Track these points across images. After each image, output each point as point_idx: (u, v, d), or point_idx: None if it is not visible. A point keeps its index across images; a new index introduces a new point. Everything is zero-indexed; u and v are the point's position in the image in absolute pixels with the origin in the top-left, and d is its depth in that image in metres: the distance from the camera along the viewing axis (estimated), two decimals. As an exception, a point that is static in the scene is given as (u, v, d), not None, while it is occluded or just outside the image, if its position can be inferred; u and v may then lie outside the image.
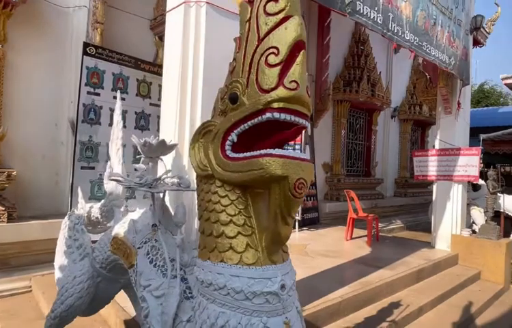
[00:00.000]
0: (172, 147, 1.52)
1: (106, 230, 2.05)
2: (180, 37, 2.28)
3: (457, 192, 5.44)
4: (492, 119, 11.25)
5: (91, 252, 1.83)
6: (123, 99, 4.36)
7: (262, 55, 1.03)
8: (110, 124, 4.26)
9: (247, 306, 1.01)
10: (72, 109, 4.37)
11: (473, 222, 5.84)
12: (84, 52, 3.98)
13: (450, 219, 5.45)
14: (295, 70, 1.00)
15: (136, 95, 4.47)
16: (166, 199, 1.86)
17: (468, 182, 5.62)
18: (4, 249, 3.56)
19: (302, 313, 1.14)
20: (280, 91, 1.00)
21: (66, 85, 4.41)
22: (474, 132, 6.45)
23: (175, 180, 1.51)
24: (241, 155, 1.08)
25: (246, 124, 1.07)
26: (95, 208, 2.10)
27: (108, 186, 2.04)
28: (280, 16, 1.02)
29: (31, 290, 3.60)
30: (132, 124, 4.41)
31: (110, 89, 4.25)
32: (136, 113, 4.44)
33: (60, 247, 2.19)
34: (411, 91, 10.12)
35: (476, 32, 5.60)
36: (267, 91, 1.01)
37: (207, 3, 2.25)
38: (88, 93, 4.05)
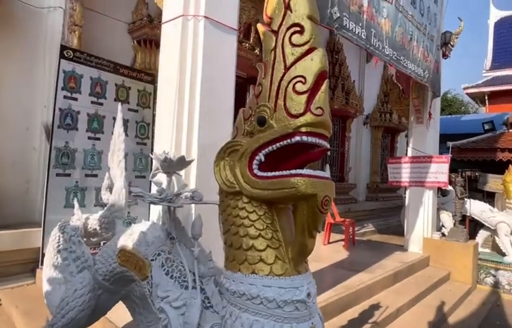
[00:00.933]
0: (190, 162, 1.53)
1: (104, 242, 1.99)
2: (177, 49, 2.28)
3: (428, 197, 5.77)
4: (456, 126, 12.01)
5: (92, 264, 1.77)
6: (100, 104, 4.25)
7: (289, 82, 1.12)
8: (88, 130, 4.16)
9: (279, 314, 1.10)
10: (45, 114, 4.16)
11: (442, 225, 6.21)
12: (62, 56, 3.80)
13: (422, 223, 5.76)
14: (321, 98, 1.10)
15: (115, 100, 4.32)
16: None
17: (438, 187, 5.97)
18: (-29, 262, 3.32)
19: (323, 319, 1.22)
20: (308, 117, 1.09)
21: (39, 89, 4.19)
22: (440, 139, 6.87)
23: (188, 194, 1.51)
24: (270, 174, 1.15)
25: (274, 146, 1.15)
26: (93, 219, 2.04)
27: (111, 197, 1.98)
28: (306, 47, 1.12)
29: (0, 304, 3.37)
30: (110, 129, 4.24)
31: (88, 93, 4.08)
32: (114, 118, 4.25)
33: (49, 260, 2.08)
34: (382, 100, 10.61)
35: (445, 47, 5.99)
36: (296, 116, 1.10)
37: (205, 17, 2.26)
38: (65, 97, 3.86)
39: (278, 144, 1.14)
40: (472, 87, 16.09)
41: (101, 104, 4.16)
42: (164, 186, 1.53)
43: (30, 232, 3.64)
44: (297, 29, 1.14)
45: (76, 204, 2.24)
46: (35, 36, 4.14)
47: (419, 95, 5.78)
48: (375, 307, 3.73)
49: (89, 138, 4.04)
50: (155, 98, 4.58)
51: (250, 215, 1.19)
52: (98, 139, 4.11)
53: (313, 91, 1.10)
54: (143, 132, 4.52)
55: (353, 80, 9.14)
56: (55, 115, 3.77)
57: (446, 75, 5.96)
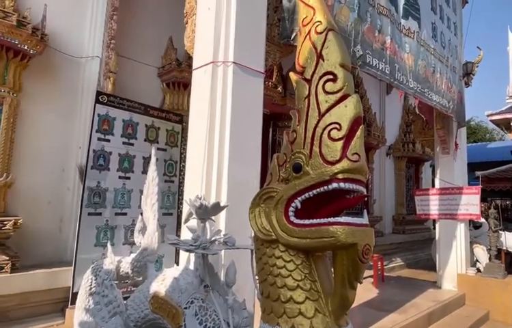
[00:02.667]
0: (223, 208, 1.55)
1: (136, 285, 2.02)
2: (208, 93, 2.38)
3: (460, 230, 5.52)
4: (483, 154, 11.62)
5: (124, 310, 1.78)
6: (131, 144, 4.43)
7: (324, 129, 1.14)
8: (119, 169, 4.32)
9: None
10: (79, 155, 4.37)
11: (477, 260, 5.88)
12: (97, 101, 4.04)
13: (455, 258, 5.49)
14: (356, 143, 1.11)
15: (145, 140, 4.50)
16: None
17: (470, 220, 5.72)
18: (4, 301, 3.40)
19: None
20: (345, 163, 1.09)
21: (75, 132, 4.43)
22: (467, 168, 6.65)
23: (221, 239, 1.52)
24: (307, 222, 1.14)
25: (311, 192, 1.15)
26: (125, 263, 2.07)
27: (143, 241, 2.02)
28: (339, 94, 1.15)
29: (31, 345, 3.41)
30: (140, 169, 4.41)
31: (120, 135, 4.27)
32: (144, 157, 4.44)
33: (81, 303, 2.11)
34: (404, 130, 10.47)
35: (468, 77, 5.93)
36: (332, 163, 1.10)
37: (234, 63, 2.37)
38: (98, 139, 4.06)
39: (314, 191, 1.14)
40: (496, 113, 15.62)
41: (132, 144, 4.34)
42: (198, 232, 1.54)
43: (61, 271, 3.72)
44: (331, 77, 1.16)
45: (110, 247, 2.28)
46: (73, 83, 4.44)
47: (444, 125, 5.69)
48: (411, 351, 3.52)
49: (120, 177, 4.19)
50: (183, 137, 4.75)
51: (287, 265, 1.16)
52: (128, 178, 4.26)
53: (348, 138, 1.10)
54: (170, 170, 4.64)
55: (374, 112, 9.12)
56: (89, 156, 3.95)
57: (469, 103, 5.88)
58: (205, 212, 1.50)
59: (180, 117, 4.85)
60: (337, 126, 1.11)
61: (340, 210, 1.16)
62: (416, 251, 9.48)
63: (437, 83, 4.50)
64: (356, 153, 1.10)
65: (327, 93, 1.15)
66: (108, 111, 4.14)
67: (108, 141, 4.13)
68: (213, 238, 1.43)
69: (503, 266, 5.40)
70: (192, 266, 1.71)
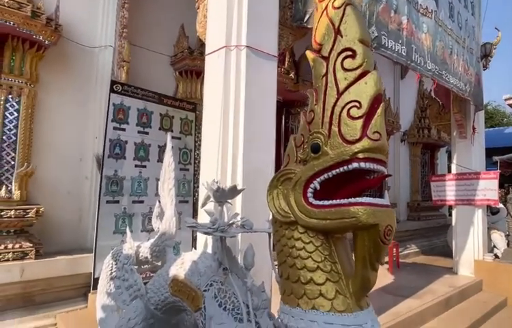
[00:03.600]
0: (241, 191, 1.55)
1: (154, 270, 2.06)
2: (221, 78, 2.37)
3: (477, 216, 5.42)
4: (500, 139, 11.30)
5: (144, 293, 1.82)
6: (146, 133, 4.48)
7: (343, 107, 1.10)
8: (135, 158, 4.38)
9: None
10: (96, 145, 4.44)
11: (494, 246, 5.77)
12: (111, 90, 4.08)
13: (472, 244, 5.40)
14: (377, 122, 1.08)
15: (159, 129, 4.54)
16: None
17: (487, 206, 5.60)
18: (31, 286, 3.54)
19: None
20: (365, 142, 1.06)
21: (91, 122, 4.50)
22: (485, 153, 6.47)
23: (239, 223, 1.53)
24: (327, 203, 1.12)
25: (330, 173, 1.12)
26: (144, 248, 2.11)
27: (161, 226, 2.06)
28: (359, 71, 1.10)
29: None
30: (155, 158, 4.46)
31: (135, 124, 4.33)
32: (159, 146, 4.50)
33: (103, 287, 2.18)
34: (419, 115, 10.24)
35: (486, 59, 5.74)
36: (352, 142, 1.07)
37: (247, 47, 2.35)
38: (114, 128, 4.13)
39: (334, 171, 1.11)
40: (514, 97, 15.11)
41: (147, 133, 4.39)
42: (215, 215, 1.55)
43: (83, 258, 3.84)
44: (349, 53, 1.12)
45: (129, 233, 2.33)
46: (87, 73, 4.49)
47: (461, 109, 5.54)
48: (428, 336, 3.51)
49: (136, 166, 4.25)
50: (196, 125, 4.77)
51: (306, 246, 1.15)
52: (144, 166, 4.32)
53: (368, 116, 1.07)
54: (185, 158, 4.69)
55: (388, 98, 8.93)
56: (105, 146, 4.02)
57: (486, 86, 5.68)
58: (223, 196, 1.51)
59: (194, 105, 4.86)
60: (357, 104, 1.07)
61: (360, 190, 1.13)
62: (432, 238, 9.37)
63: (454, 65, 4.37)
64: (377, 131, 1.06)
65: (346, 70, 1.11)
66: (123, 100, 4.18)
67: (123, 130, 4.19)
68: (231, 221, 1.44)
69: (522, 251, 5.29)
70: (210, 251, 1.72)
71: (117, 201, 4.09)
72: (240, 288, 1.39)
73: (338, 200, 1.11)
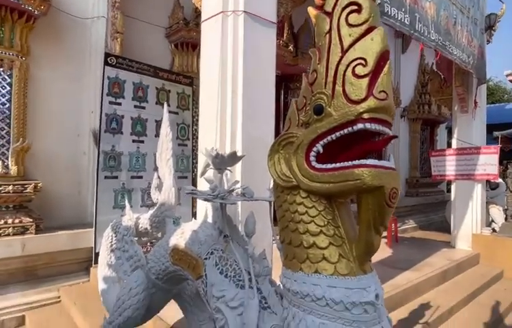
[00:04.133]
0: (241, 157, 1.51)
1: (154, 241, 2.05)
2: (218, 45, 2.29)
3: (477, 191, 5.43)
4: (500, 115, 11.23)
5: (145, 263, 1.82)
6: (142, 108, 4.40)
7: (348, 66, 1.04)
8: (132, 133, 4.32)
9: (347, 317, 1.02)
10: (92, 119, 4.37)
11: (492, 220, 5.81)
12: (106, 63, 3.98)
13: (470, 218, 5.44)
14: (383, 80, 1.02)
15: (156, 103, 4.47)
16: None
17: (486, 180, 5.60)
18: (33, 261, 3.56)
19: (392, 322, 1.14)
20: (371, 102, 1.01)
21: (86, 96, 4.41)
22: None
23: (239, 191, 1.50)
24: (330, 166, 1.08)
25: (333, 135, 1.08)
26: (144, 219, 2.10)
27: (160, 197, 2.03)
28: (364, 27, 1.04)
29: (59, 301, 3.59)
30: (153, 133, 4.40)
31: (131, 98, 4.25)
32: (156, 121, 4.43)
33: (103, 259, 2.17)
34: (420, 91, 10.12)
35: (490, 30, 5.60)
36: (357, 102, 1.02)
37: (245, 12, 2.26)
38: (110, 103, 4.05)
39: (337, 133, 1.06)
40: (516, 73, 14.93)
41: (143, 107, 4.32)
42: (215, 182, 1.52)
43: (83, 233, 3.85)
44: (354, 7, 1.05)
45: (128, 204, 2.31)
46: (80, 45, 4.37)
47: (463, 82, 5.45)
48: (425, 306, 3.56)
49: (133, 141, 4.20)
50: (193, 100, 4.69)
51: (309, 211, 1.12)
52: (142, 141, 4.27)
53: (374, 74, 1.01)
54: (183, 133, 4.63)
55: (389, 72, 8.79)
56: (102, 120, 3.96)
57: (487, 62, 5.55)
58: (222, 162, 1.47)
59: (190, 79, 4.76)
60: (362, 61, 1.01)
61: (364, 153, 1.08)
62: (429, 214, 9.44)
63: (458, 36, 4.25)
64: (383, 91, 1.00)
65: (350, 25, 1.04)
66: (118, 73, 4.09)
67: (119, 104, 4.11)
68: (231, 188, 1.41)
69: (520, 225, 5.33)
70: (210, 220, 1.70)
71: (116, 177, 4.06)
72: (241, 255, 1.38)
73: (341, 163, 1.07)
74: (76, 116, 4.33)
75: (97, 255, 3.40)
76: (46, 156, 4.06)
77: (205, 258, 1.44)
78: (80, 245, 3.80)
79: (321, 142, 1.11)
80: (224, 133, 2.29)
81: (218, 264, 1.40)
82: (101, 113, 3.95)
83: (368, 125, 1.02)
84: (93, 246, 3.74)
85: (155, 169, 2.28)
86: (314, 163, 1.13)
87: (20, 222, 3.54)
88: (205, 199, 1.40)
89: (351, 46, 1.05)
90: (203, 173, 1.60)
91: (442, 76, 5.99)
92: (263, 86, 2.43)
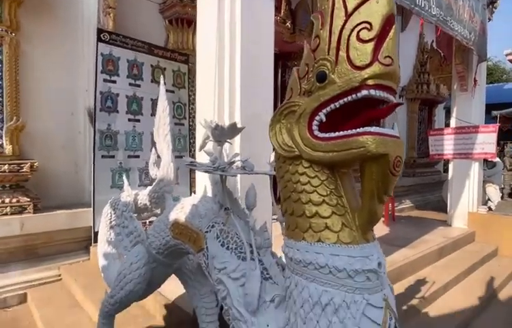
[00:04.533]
0: (241, 129, 1.47)
1: (153, 217, 2.04)
2: (215, 18, 2.23)
3: (474, 170, 5.45)
4: (499, 95, 11.19)
5: (145, 238, 1.81)
6: (137, 86, 4.32)
7: (352, 30, 1.00)
8: (128, 112, 4.25)
9: (350, 284, 1.01)
10: (87, 98, 4.30)
11: (488, 199, 5.87)
12: (99, 39, 3.88)
13: (467, 197, 5.48)
14: (389, 45, 0.98)
15: (151, 81, 4.39)
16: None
17: (484, 159, 5.62)
18: (32, 239, 3.56)
19: (393, 290, 1.14)
20: (376, 67, 0.97)
21: (80, 73, 4.32)
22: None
23: (239, 164, 1.48)
24: (333, 134, 1.06)
25: (337, 103, 1.04)
26: (142, 195, 2.08)
27: (159, 172, 2.01)
28: None
29: (60, 279, 3.61)
30: (149, 111, 4.34)
31: (126, 76, 4.16)
32: (152, 99, 4.36)
33: (103, 236, 2.17)
34: (419, 70, 10.03)
35: (492, 6, 5.51)
36: (362, 68, 0.99)
37: (243, -18, 2.18)
38: (104, 80, 3.97)
39: (341, 101, 1.03)
40: (515, 52, 14.79)
41: (138, 85, 4.24)
42: (215, 154, 1.49)
43: (81, 212, 3.84)
44: None
45: (126, 181, 2.29)
46: (72, 20, 4.25)
47: (463, 60, 5.39)
48: (422, 282, 3.62)
49: (129, 120, 4.15)
50: (189, 79, 4.61)
51: (311, 180, 1.10)
52: (138, 120, 4.22)
53: (380, 39, 0.97)
54: (180, 112, 4.57)
55: (388, 51, 8.68)
56: (96, 99, 3.89)
57: (488, 40, 5.47)
58: (222, 134, 1.43)
59: (186, 56, 4.67)
60: (367, 25, 0.96)
61: (368, 122, 1.06)
62: (426, 194, 9.52)
63: (460, 11, 4.17)
64: (389, 56, 0.96)
65: None
66: (112, 50, 3.99)
67: (114, 82, 4.04)
68: (231, 160, 1.39)
69: (515, 203, 5.38)
70: (210, 194, 1.69)
71: (113, 156, 4.03)
72: (243, 227, 1.37)
73: (345, 131, 1.05)
74: (70, 94, 4.25)
75: (96, 234, 3.40)
76: (41, 135, 4.00)
77: (206, 231, 1.43)
78: (78, 224, 3.80)
79: (324, 110, 1.08)
80: (222, 110, 2.25)
81: (219, 237, 1.39)
82: (95, 91, 3.88)
83: (373, 92, 0.99)
84: (92, 225, 3.74)
85: (154, 146, 2.24)
86: (316, 132, 1.10)
87: (18, 201, 3.52)
88: (205, 171, 1.37)
89: (355, 9, 1.00)
90: (202, 147, 1.56)
91: (442, 54, 5.94)
92: (261, 60, 2.37)
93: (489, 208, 5.60)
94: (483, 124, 5.48)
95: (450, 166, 5.74)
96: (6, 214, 3.43)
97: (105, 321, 1.91)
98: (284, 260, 1.25)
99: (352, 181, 1.19)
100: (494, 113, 7.11)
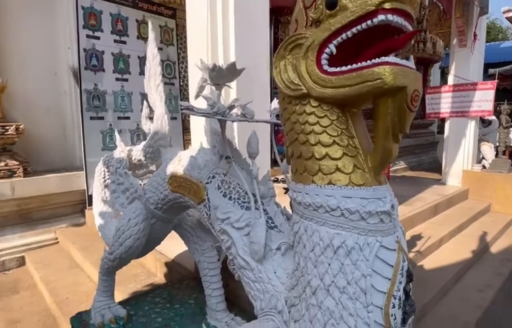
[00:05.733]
0: (241, 71, 1.35)
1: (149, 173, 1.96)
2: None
3: (470, 128, 5.42)
4: (496, 54, 11.04)
5: (142, 194, 1.74)
6: (123, 42, 4.08)
7: None
8: (115, 70, 4.04)
9: (362, 226, 0.96)
10: (70, 56, 4.06)
11: (483, 157, 5.89)
12: (78, -10, 3.61)
13: (462, 155, 5.48)
14: None
15: (137, 38, 4.15)
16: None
17: (480, 117, 5.59)
18: (26, 203, 3.49)
19: (405, 233, 1.09)
20: None
21: (61, 29, 4.05)
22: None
23: (239, 111, 1.38)
24: (345, 68, 0.96)
25: (349, 32, 0.93)
26: (136, 150, 1.97)
27: (152, 126, 1.90)
28: None
29: (57, 242, 3.58)
30: (137, 70, 4.14)
31: (110, 31, 3.92)
32: (139, 57, 4.15)
33: (98, 195, 2.08)
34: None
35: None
36: None
37: None
38: (87, 36, 3.74)
39: (354, 29, 0.92)
40: (512, 10, 14.48)
41: (124, 42, 4.01)
42: (214, 99, 1.38)
43: (73, 176, 3.74)
44: None
45: (118, 136, 2.16)
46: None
47: (463, 13, 5.21)
48: (417, 237, 3.67)
49: (117, 79, 3.96)
50: (178, 35, 4.37)
51: (320, 120, 1.01)
52: (126, 80, 4.03)
53: None
54: (169, 71, 4.38)
55: (385, 7, 8.40)
56: (80, 56, 3.67)
57: None
58: (220, 76, 1.31)
59: (173, 11, 4.41)
60: None
61: (383, 53, 0.97)
62: (420, 155, 9.58)
63: (464, -41, 3.96)
64: None
65: None
66: (93, 3, 3.73)
67: (98, 38, 3.81)
68: (231, 104, 1.28)
69: (509, 161, 5.41)
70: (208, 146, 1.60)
71: (102, 118, 3.88)
72: (245, 177, 1.30)
73: (358, 63, 0.95)
74: (52, 53, 4.01)
75: (90, 197, 3.30)
76: (23, 97, 3.81)
77: (207, 182, 1.36)
78: (71, 188, 3.71)
79: (335, 41, 0.97)
80: (215, 55, 2.10)
81: (220, 188, 1.32)
82: (78, 48, 3.65)
83: (390, 17, 0.89)
84: (86, 188, 3.65)
85: (145, 99, 2.10)
86: (326, 67, 1.00)
87: (6, 165, 3.40)
88: (204, 115, 1.27)
89: None
90: (198, 95, 1.44)
91: (442, 8, 5.72)
92: (256, 7, 2.21)
93: (483, 167, 5.63)
94: (481, 81, 5.39)
95: (446, 124, 5.70)
96: (-5, 178, 3.32)
97: (105, 277, 1.87)
98: (289, 209, 1.20)
99: (363, 122, 1.10)
100: (491, 70, 6.99)
